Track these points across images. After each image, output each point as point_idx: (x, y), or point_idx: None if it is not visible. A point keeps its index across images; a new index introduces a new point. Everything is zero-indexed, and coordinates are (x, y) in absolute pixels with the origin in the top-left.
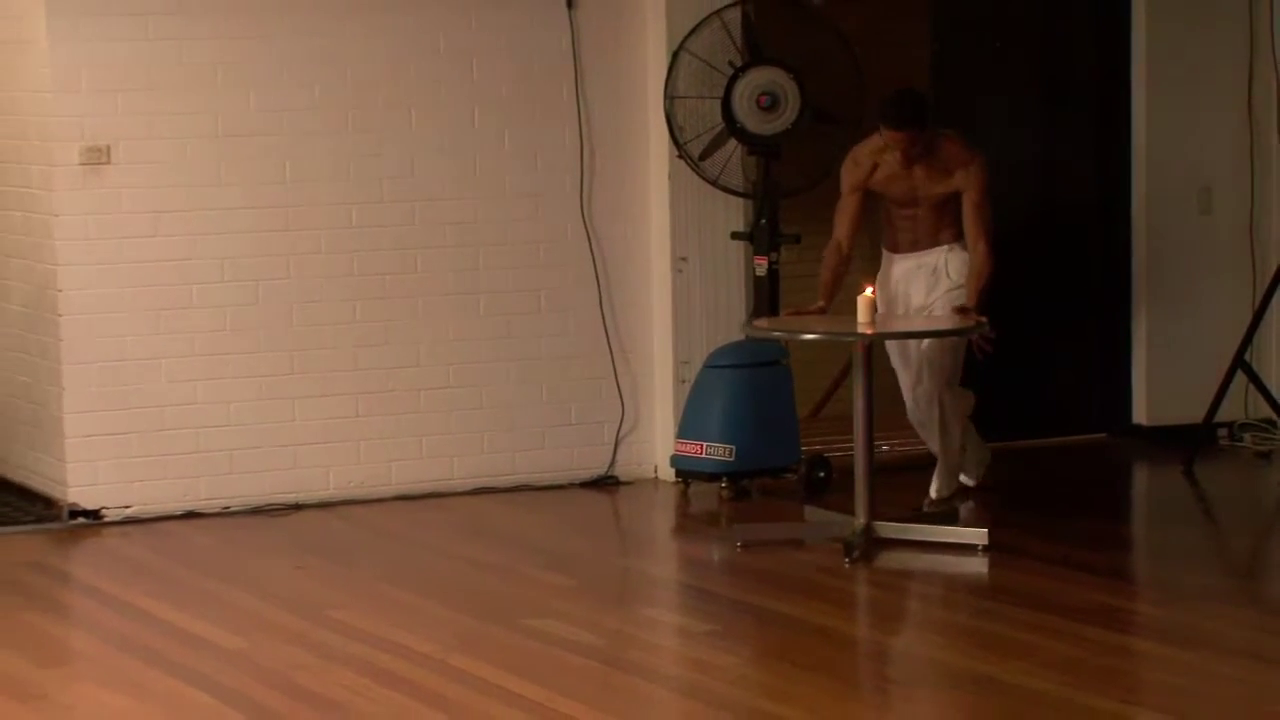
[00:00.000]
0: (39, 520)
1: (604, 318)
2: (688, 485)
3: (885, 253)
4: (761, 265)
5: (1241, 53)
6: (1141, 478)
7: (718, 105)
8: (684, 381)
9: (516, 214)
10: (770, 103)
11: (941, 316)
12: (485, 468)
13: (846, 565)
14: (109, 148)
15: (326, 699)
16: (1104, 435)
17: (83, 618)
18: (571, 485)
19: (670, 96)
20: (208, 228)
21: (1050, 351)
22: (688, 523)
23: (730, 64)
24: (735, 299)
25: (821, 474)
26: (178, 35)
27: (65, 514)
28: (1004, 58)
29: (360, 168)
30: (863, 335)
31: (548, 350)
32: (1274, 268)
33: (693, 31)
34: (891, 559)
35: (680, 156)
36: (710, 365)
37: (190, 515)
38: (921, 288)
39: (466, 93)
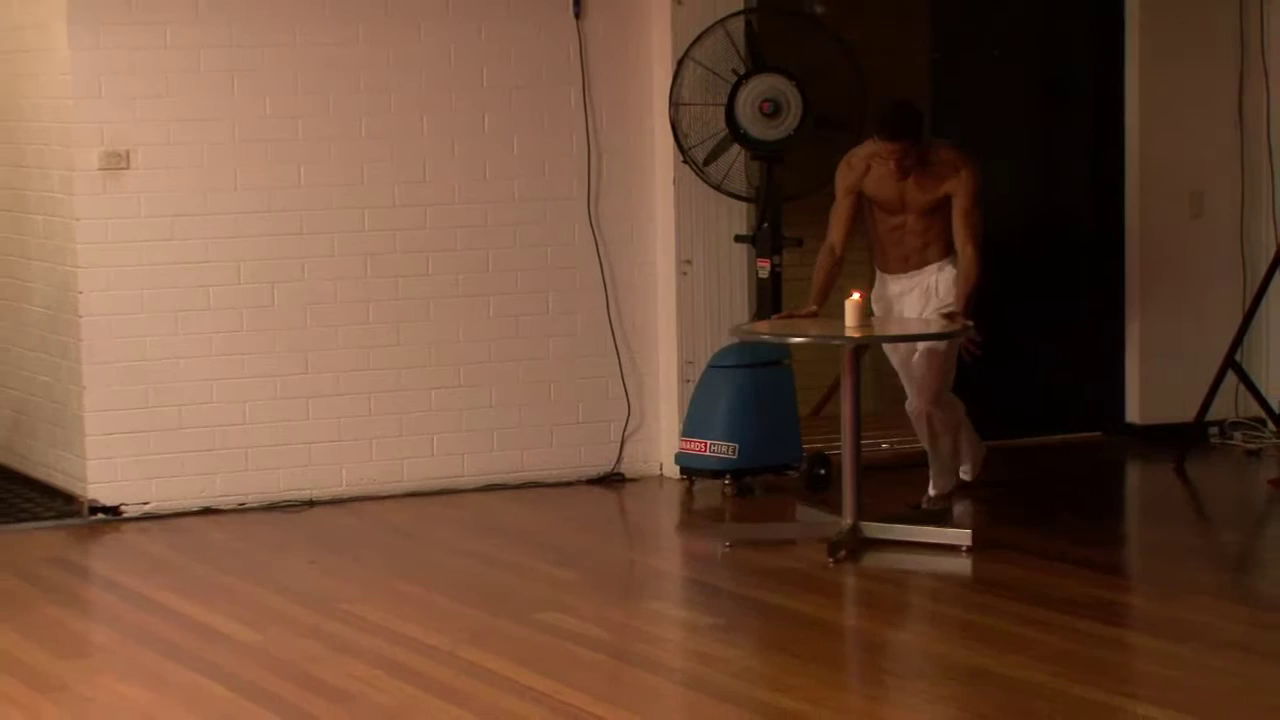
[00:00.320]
0: (60, 516)
1: (610, 319)
2: (692, 482)
3: (879, 273)
4: (764, 268)
5: (1232, 62)
6: (1135, 475)
7: (721, 112)
8: (688, 381)
9: (525, 218)
10: (773, 109)
11: (936, 320)
12: (494, 465)
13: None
14: (128, 153)
15: (340, 690)
16: (1098, 434)
17: (102, 611)
18: (579, 482)
19: (675, 103)
20: (224, 231)
21: (1046, 352)
22: (692, 519)
23: (734, 72)
24: (739, 301)
25: (822, 471)
26: (195, 44)
27: (85, 510)
28: (1002, 65)
29: (373, 173)
30: (850, 339)
31: (555, 350)
32: (1264, 271)
33: (697, 40)
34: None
35: (685, 162)
36: (714, 365)
37: (207, 511)
38: (915, 306)
39: (477, 100)
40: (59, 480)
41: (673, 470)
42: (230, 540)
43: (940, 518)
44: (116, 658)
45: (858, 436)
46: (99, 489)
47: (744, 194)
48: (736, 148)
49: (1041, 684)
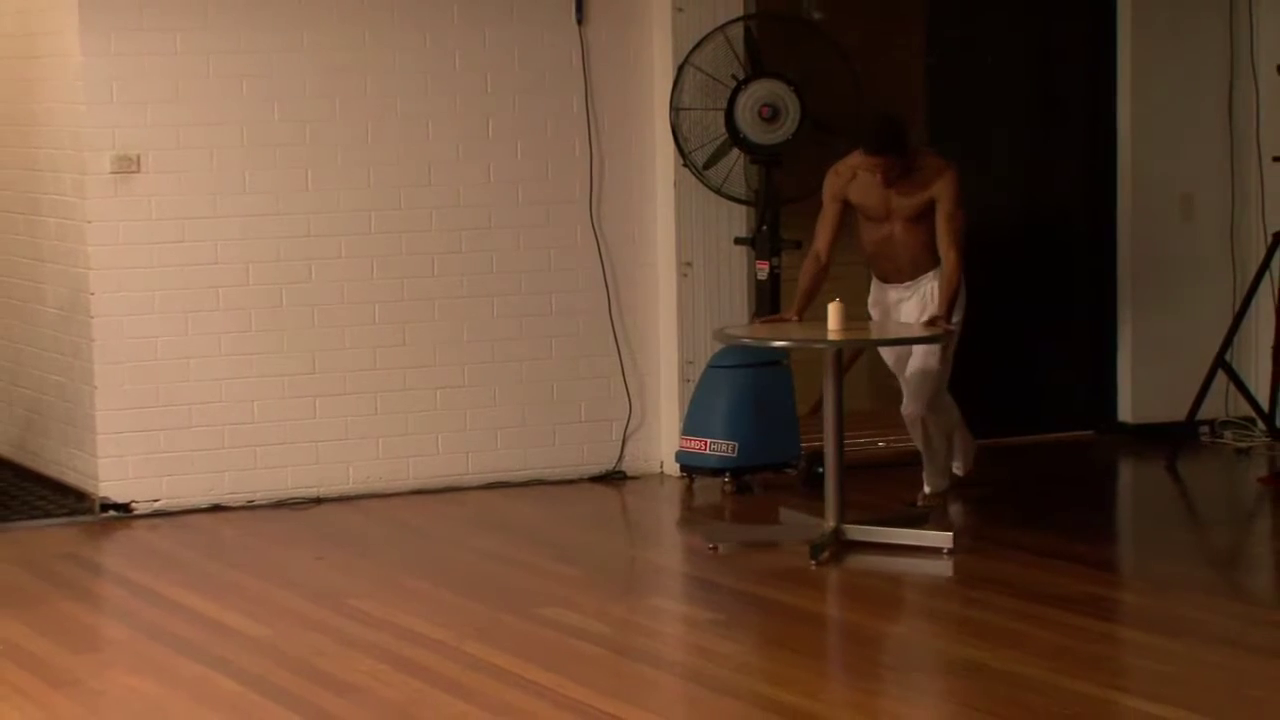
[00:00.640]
0: (72, 513)
1: (612, 320)
2: (692, 480)
3: (876, 280)
4: (763, 270)
5: (1222, 67)
6: (1127, 473)
7: (721, 116)
8: (689, 381)
9: (529, 221)
10: (772, 114)
11: (916, 324)
12: (498, 463)
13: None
14: (139, 157)
15: (346, 683)
16: (1091, 432)
17: (113, 606)
18: (581, 480)
19: (676, 108)
20: (233, 233)
21: (1039, 352)
22: (692, 516)
23: (733, 77)
24: (738, 302)
25: (820, 469)
26: (205, 50)
27: (97, 507)
28: (997, 71)
29: (379, 176)
30: (830, 342)
31: (558, 351)
32: (1253, 272)
33: (697, 46)
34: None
35: (685, 165)
36: (714, 365)
37: (216, 508)
38: (913, 312)
39: (481, 105)
40: (71, 478)
41: (673, 468)
42: (239, 537)
43: (925, 519)
44: (127, 652)
45: (840, 440)
46: (110, 486)
47: (743, 197)
48: (736, 152)
49: (1036, 678)
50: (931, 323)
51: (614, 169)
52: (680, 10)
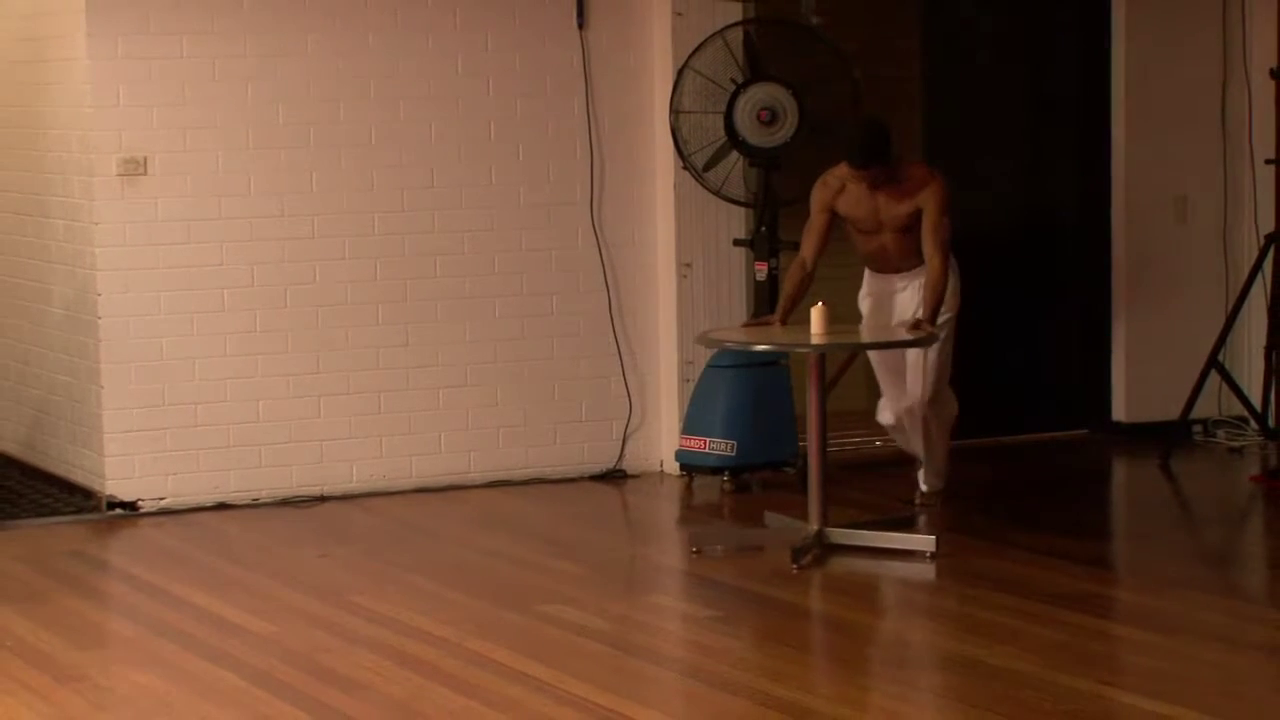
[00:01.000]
0: (79, 511)
1: (612, 320)
2: (692, 479)
3: (871, 271)
4: (762, 271)
5: (1216, 70)
6: (1121, 472)
7: (720, 120)
8: (688, 380)
9: (530, 222)
10: (770, 117)
11: (900, 328)
12: (500, 462)
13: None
14: (146, 159)
15: (350, 679)
16: (1085, 431)
17: (120, 603)
18: (582, 479)
19: (675, 111)
20: (239, 235)
21: (1033, 351)
22: (691, 514)
23: (732, 80)
24: (737, 302)
25: None
26: (211, 53)
27: (104, 505)
28: (992, 74)
29: (383, 179)
30: (813, 346)
31: (559, 351)
32: (1246, 273)
33: (697, 50)
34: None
35: (685, 168)
36: (713, 365)
37: (221, 506)
38: (911, 301)
39: (483, 108)
40: (78, 476)
41: (673, 467)
42: (244, 534)
43: (914, 521)
44: (133, 648)
45: (823, 443)
46: (117, 485)
47: (742, 199)
48: (735, 154)
49: (1032, 674)
50: (916, 326)
51: (614, 171)
52: (680, 15)
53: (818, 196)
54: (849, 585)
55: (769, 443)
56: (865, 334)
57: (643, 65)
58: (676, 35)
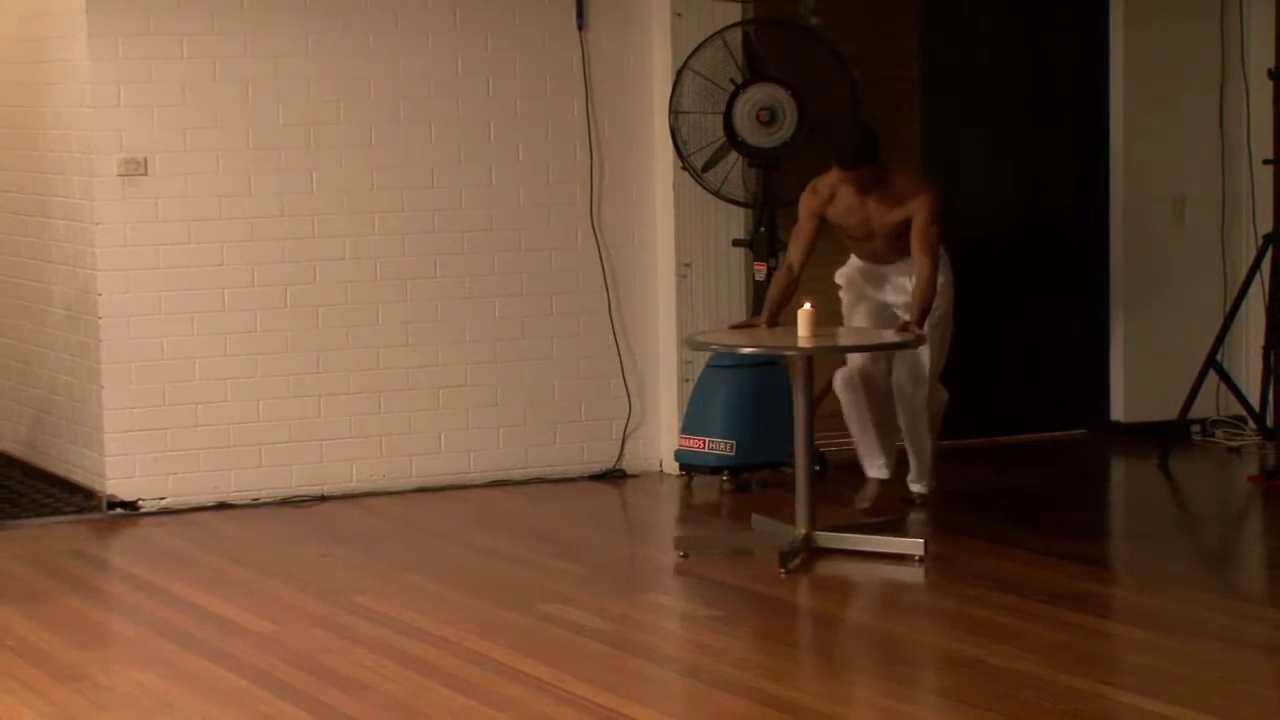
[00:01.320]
0: (80, 511)
1: (612, 320)
2: (691, 478)
3: (860, 259)
4: (761, 270)
5: (1214, 69)
6: (1119, 472)
7: (720, 120)
8: (687, 380)
9: (530, 222)
10: (769, 118)
11: (889, 331)
12: (500, 461)
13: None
14: (146, 160)
15: (350, 679)
16: (1083, 431)
17: (120, 603)
18: (581, 478)
19: (675, 112)
20: (239, 235)
21: (1032, 351)
22: (691, 514)
23: (732, 81)
24: (736, 302)
25: (817, 468)
26: (211, 54)
27: (104, 505)
28: (991, 74)
29: (383, 179)
30: (800, 349)
31: (559, 351)
32: (1244, 273)
33: (696, 50)
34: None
35: (684, 168)
36: (712, 365)
37: (222, 506)
38: (903, 290)
39: (483, 109)
40: (79, 476)
41: (672, 466)
42: (244, 534)
43: (903, 523)
44: (134, 647)
45: (810, 446)
46: (117, 484)
47: (741, 199)
48: (734, 155)
49: (1031, 674)
50: (904, 328)
51: (614, 172)
52: (679, 15)
53: (806, 204)
54: (849, 585)
55: (768, 442)
56: (846, 313)
57: (642, 66)
58: (676, 36)
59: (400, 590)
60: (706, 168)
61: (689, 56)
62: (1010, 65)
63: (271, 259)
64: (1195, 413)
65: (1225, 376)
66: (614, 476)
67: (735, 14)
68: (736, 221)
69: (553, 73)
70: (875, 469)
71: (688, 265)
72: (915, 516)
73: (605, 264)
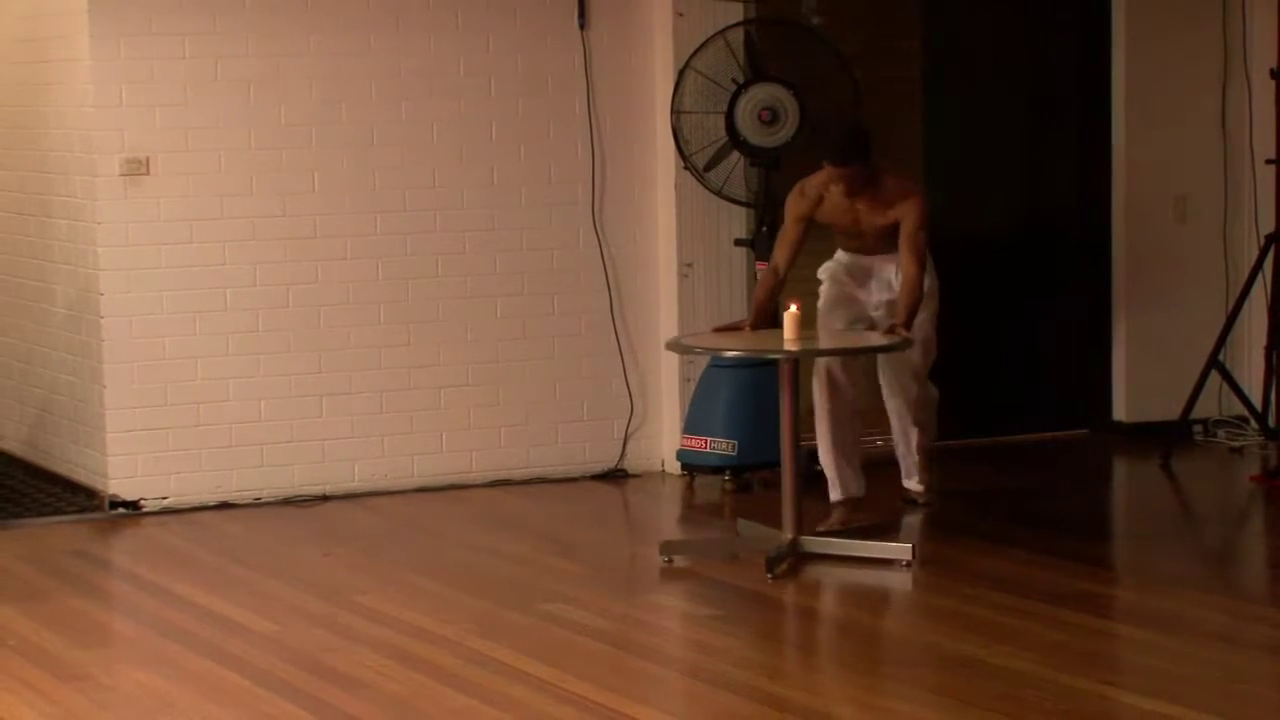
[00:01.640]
0: (82, 510)
1: (614, 320)
2: (693, 478)
3: (847, 251)
4: (763, 270)
5: (1216, 69)
6: (1121, 472)
7: (721, 120)
8: (689, 380)
9: (532, 222)
10: (771, 117)
11: (875, 334)
12: (502, 461)
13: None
14: (148, 159)
15: (352, 679)
16: (1085, 431)
17: (122, 602)
18: (583, 478)
19: (677, 111)
20: (241, 235)
21: (1034, 351)
22: (692, 513)
23: (733, 81)
24: (738, 302)
25: (819, 467)
26: (213, 54)
27: (106, 504)
28: (992, 74)
29: (384, 178)
30: (785, 352)
31: (561, 350)
32: (1246, 273)
33: (698, 50)
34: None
35: (686, 168)
36: (714, 364)
37: (224, 506)
38: (888, 287)
39: (485, 108)
40: (81, 475)
41: (674, 466)
42: (246, 534)
43: (884, 530)
44: (136, 647)
45: (796, 449)
46: (119, 484)
47: (743, 199)
48: (736, 154)
49: (1031, 673)
50: (891, 330)
51: (615, 171)
52: (681, 15)
53: (794, 207)
54: (849, 585)
55: (770, 442)
56: (824, 308)
57: (644, 65)
58: (678, 35)
59: (402, 590)
60: (708, 167)
61: (691, 56)
62: (1012, 65)
63: (273, 259)
64: (1197, 413)
65: (1227, 376)
66: (615, 476)
67: (737, 13)
68: (738, 221)
69: (554, 72)
70: (834, 491)
71: (689, 265)
72: (915, 517)
73: (607, 263)
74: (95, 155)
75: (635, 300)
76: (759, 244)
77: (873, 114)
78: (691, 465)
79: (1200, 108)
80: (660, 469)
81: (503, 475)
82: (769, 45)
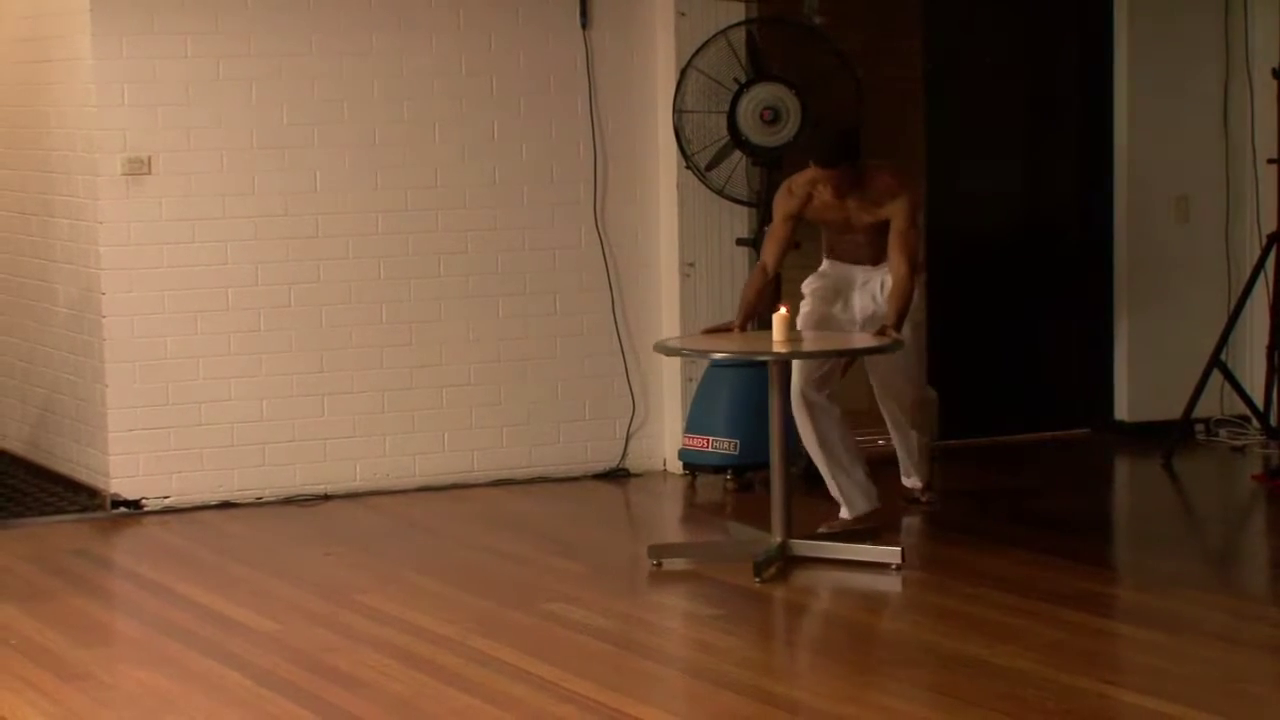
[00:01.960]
0: (83, 510)
1: (616, 319)
2: (694, 477)
3: (833, 260)
4: None
5: (1218, 69)
6: (1123, 471)
7: (723, 119)
8: (691, 380)
9: (534, 222)
10: (773, 117)
11: (865, 335)
12: (504, 461)
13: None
14: (150, 159)
15: (354, 678)
16: (1087, 430)
17: (124, 602)
18: (585, 477)
19: (679, 111)
20: (243, 234)
21: (1036, 350)
22: (694, 513)
23: (735, 80)
24: (739, 301)
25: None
26: (215, 54)
27: (108, 504)
28: (993, 73)
29: (386, 178)
30: (773, 354)
31: (562, 350)
32: (1248, 272)
33: (700, 50)
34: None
35: (688, 167)
36: (716, 364)
37: (225, 505)
38: (867, 299)
39: (487, 108)
40: (82, 475)
41: (676, 466)
42: (248, 533)
43: (882, 532)
44: (138, 646)
45: (785, 451)
46: (121, 483)
47: (745, 198)
48: (738, 154)
49: (1032, 673)
50: (881, 332)
51: (618, 171)
52: (683, 14)
53: (782, 205)
54: (848, 584)
55: None
56: (801, 325)
57: (646, 65)
58: (679, 35)
59: (403, 589)
60: (710, 167)
61: (692, 55)
62: (1013, 64)
63: (275, 258)
64: (1199, 412)
65: (1229, 376)
66: (618, 476)
67: (739, 13)
68: (740, 220)
69: (556, 72)
70: (843, 510)
71: (691, 264)
72: (916, 517)
73: (609, 263)
74: (97, 155)
75: (637, 300)
76: (761, 243)
77: (874, 113)
78: (693, 465)
79: (1202, 107)
80: (662, 468)
81: (504, 475)
82: (771, 45)
